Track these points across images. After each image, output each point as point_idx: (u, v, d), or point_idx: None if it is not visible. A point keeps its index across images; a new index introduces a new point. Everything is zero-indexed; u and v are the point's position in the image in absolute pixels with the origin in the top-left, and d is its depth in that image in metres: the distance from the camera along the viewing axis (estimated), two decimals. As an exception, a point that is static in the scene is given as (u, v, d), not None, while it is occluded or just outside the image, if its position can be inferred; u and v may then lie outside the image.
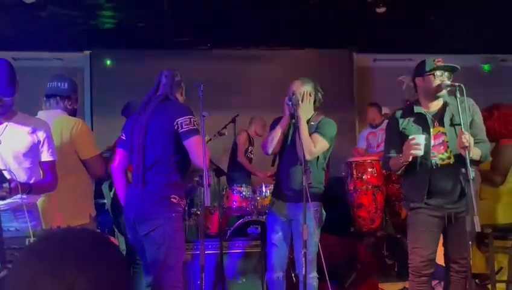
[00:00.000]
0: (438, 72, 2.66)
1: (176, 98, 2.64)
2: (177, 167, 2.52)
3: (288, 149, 2.95)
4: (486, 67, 7.29)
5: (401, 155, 2.68)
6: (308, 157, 2.73)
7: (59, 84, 2.92)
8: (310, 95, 2.97)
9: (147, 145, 2.51)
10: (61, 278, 0.67)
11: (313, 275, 2.86)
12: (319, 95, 3.02)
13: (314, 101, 3.01)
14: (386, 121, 5.18)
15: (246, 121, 5.56)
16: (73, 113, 3.00)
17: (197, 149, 2.43)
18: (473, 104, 2.72)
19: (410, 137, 2.60)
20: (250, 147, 5.29)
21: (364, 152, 5.22)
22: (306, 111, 2.94)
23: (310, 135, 2.86)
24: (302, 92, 2.92)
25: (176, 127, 2.45)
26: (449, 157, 2.67)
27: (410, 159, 2.62)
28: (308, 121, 2.94)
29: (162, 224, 2.42)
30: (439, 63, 2.65)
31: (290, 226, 2.93)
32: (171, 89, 2.62)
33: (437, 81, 2.65)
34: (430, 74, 2.67)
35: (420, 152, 2.57)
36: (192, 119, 2.48)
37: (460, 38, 6.38)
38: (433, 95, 2.70)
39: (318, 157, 2.92)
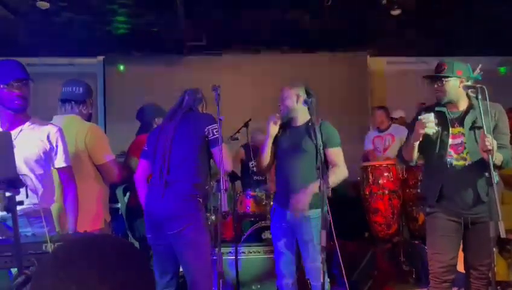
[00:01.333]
0: (430, 81, 2.72)
1: (198, 109, 2.83)
2: (200, 171, 2.66)
3: (284, 156, 2.93)
4: (502, 69, 7.20)
5: (411, 137, 2.69)
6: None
7: (74, 88, 2.91)
8: (299, 97, 2.92)
9: (173, 149, 2.65)
10: (84, 286, 0.64)
11: (326, 279, 2.80)
12: (313, 98, 2.90)
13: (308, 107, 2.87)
14: (393, 126, 5.16)
15: (258, 126, 5.49)
16: (88, 118, 2.99)
17: (224, 155, 2.57)
18: (500, 110, 2.68)
19: (420, 116, 2.61)
20: (251, 163, 5.16)
21: (373, 154, 5.14)
22: (301, 114, 2.93)
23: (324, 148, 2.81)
24: (292, 95, 2.91)
25: (206, 133, 2.65)
26: (465, 159, 2.65)
27: (421, 139, 2.61)
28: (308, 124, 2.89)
29: (192, 221, 2.55)
30: (433, 72, 2.70)
31: (294, 234, 2.89)
32: (194, 102, 2.83)
33: (433, 88, 2.71)
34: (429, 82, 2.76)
35: (432, 129, 2.58)
36: (218, 128, 2.66)
37: (476, 40, 6.29)
38: (437, 100, 2.74)
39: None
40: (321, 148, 2.67)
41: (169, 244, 2.58)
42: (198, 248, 2.55)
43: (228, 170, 2.67)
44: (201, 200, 2.63)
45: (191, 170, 2.62)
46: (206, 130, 2.65)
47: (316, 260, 2.67)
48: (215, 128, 2.64)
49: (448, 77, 2.64)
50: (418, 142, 2.64)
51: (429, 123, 2.55)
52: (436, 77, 2.68)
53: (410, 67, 6.90)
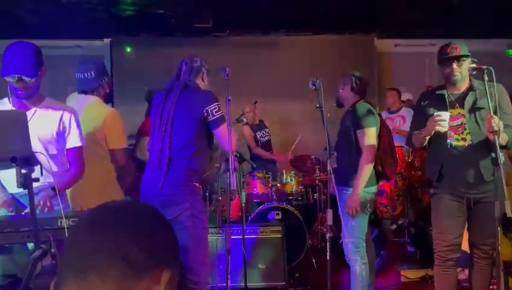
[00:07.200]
0: (447, 63, 2.70)
1: (196, 83, 2.67)
2: (197, 155, 2.58)
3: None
4: (510, 52, 7.12)
5: (422, 130, 2.72)
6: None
7: (86, 74, 2.88)
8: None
9: (172, 133, 2.56)
10: (116, 248, 0.68)
11: (354, 258, 3.03)
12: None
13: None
14: (404, 108, 5.17)
15: (264, 108, 5.54)
16: (107, 97, 2.98)
17: (227, 136, 2.53)
18: (501, 90, 2.68)
19: (435, 113, 2.63)
20: (258, 133, 5.22)
21: None
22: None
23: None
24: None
25: (205, 115, 2.52)
26: (464, 139, 2.68)
27: (432, 133, 2.66)
28: None
29: (188, 207, 2.50)
30: (449, 54, 2.66)
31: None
32: (189, 75, 2.65)
33: (447, 70, 2.71)
34: (442, 64, 2.74)
35: (444, 129, 2.62)
36: (219, 106, 2.55)
37: (484, 22, 6.21)
38: (450, 81, 2.74)
39: None
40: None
41: None
42: (194, 232, 2.51)
43: (232, 150, 2.59)
44: (197, 184, 2.57)
45: (188, 155, 2.53)
46: (204, 111, 2.51)
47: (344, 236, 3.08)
48: (215, 109, 2.51)
49: (468, 56, 2.66)
50: (429, 136, 2.70)
51: (443, 122, 2.59)
52: (457, 57, 2.67)
53: (417, 50, 6.85)
